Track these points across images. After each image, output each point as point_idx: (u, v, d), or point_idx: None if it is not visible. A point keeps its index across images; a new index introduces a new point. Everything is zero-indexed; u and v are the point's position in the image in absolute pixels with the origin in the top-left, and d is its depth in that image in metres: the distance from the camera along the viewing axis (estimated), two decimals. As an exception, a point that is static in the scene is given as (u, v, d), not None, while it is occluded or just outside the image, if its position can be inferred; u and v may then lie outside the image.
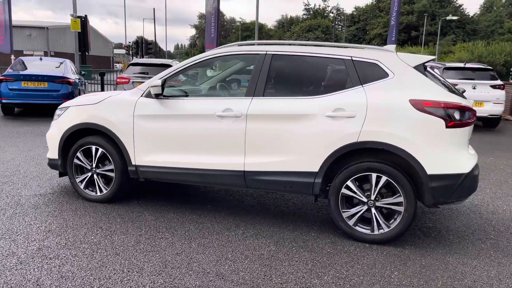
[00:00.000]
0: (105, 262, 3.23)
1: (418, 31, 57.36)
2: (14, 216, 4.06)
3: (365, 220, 3.77)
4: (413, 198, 3.57)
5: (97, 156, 4.46)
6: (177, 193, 4.96)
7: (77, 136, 4.58)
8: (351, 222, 3.76)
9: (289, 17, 78.40)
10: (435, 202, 3.59)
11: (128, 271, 3.10)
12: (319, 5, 75.51)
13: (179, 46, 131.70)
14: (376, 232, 3.70)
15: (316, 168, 3.76)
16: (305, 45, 4.15)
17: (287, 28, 68.35)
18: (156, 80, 4.15)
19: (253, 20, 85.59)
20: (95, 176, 4.52)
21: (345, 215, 3.77)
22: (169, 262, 3.27)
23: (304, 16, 73.77)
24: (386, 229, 3.67)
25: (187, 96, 4.35)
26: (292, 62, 4.06)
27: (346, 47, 4.04)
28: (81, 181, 4.58)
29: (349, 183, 3.71)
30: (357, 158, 3.75)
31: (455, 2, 60.05)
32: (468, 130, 3.64)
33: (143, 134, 4.23)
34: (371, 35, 59.83)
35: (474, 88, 10.92)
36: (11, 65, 11.83)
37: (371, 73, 3.75)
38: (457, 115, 3.54)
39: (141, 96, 4.29)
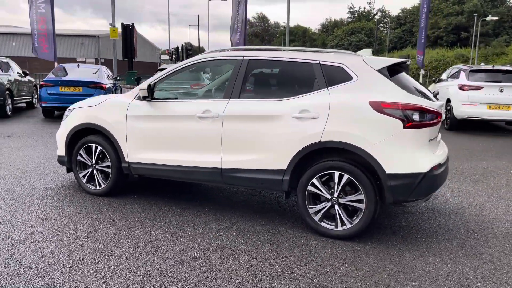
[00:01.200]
0: (84, 246, 3.63)
1: (468, 32, 55.14)
2: (21, 206, 4.58)
3: (330, 216, 3.94)
4: (373, 196, 3.71)
5: (96, 153, 4.91)
6: (172, 189, 5.32)
7: (81, 135, 5.06)
8: (316, 218, 3.95)
9: (333, 20, 77.83)
10: (394, 200, 3.71)
11: (101, 254, 3.48)
12: (364, 8, 74.41)
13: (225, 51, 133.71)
14: (339, 228, 3.87)
15: (284, 166, 3.99)
16: (280, 50, 4.39)
17: (330, 32, 67.89)
18: (145, 84, 4.55)
19: (298, 25, 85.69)
20: (94, 171, 4.98)
21: (311, 211, 3.97)
22: (139, 248, 3.62)
23: (349, 19, 72.96)
24: (349, 225, 3.83)
25: (176, 98, 4.72)
26: (265, 66, 4.33)
27: (317, 52, 4.24)
28: (84, 176, 5.05)
29: (314, 180, 3.90)
30: (325, 157, 3.93)
31: (508, 1, 57.20)
32: (428, 131, 3.72)
33: (134, 133, 4.63)
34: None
35: (501, 91, 10.58)
36: (52, 71, 12.80)
37: (336, 76, 3.93)
38: (416, 116, 3.64)
39: (134, 98, 4.69)
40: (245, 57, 4.32)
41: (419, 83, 4.53)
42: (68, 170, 5.31)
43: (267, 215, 4.49)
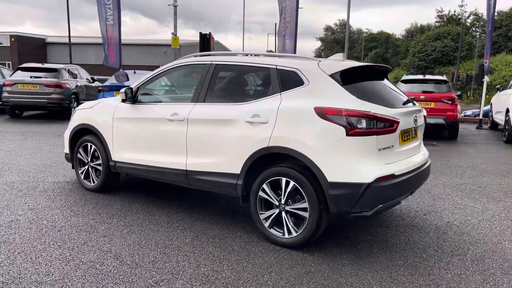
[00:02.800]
0: (44, 235, 3.94)
1: None
2: (21, 196, 5.08)
3: (281, 223, 3.85)
4: (317, 204, 3.56)
5: (91, 152, 5.29)
6: (165, 189, 5.52)
7: (81, 135, 5.48)
8: (266, 224, 3.89)
9: (419, 25, 74.10)
10: (338, 210, 3.53)
11: (52, 244, 3.75)
12: (454, 11, 69.66)
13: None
14: (286, 236, 3.77)
15: (238, 170, 3.99)
16: (245, 55, 4.39)
17: (415, 37, 64.64)
18: (125, 88, 4.84)
19: (381, 30, 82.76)
20: (90, 168, 5.36)
21: (261, 216, 3.91)
22: (90, 241, 3.84)
23: (437, 23, 68.93)
24: (294, 234, 3.72)
25: (160, 102, 4.93)
26: (229, 71, 4.36)
27: (277, 56, 4.18)
28: (81, 173, 5.47)
29: (264, 186, 3.85)
30: (278, 163, 3.87)
31: None
32: (376, 139, 3.48)
33: (118, 134, 4.93)
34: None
35: None
36: (114, 75, 13.87)
37: (290, 81, 3.85)
38: (362, 124, 3.44)
39: (121, 101, 4.99)
40: (212, 62, 4.40)
41: (397, 90, 4.27)
42: (73, 167, 5.77)
43: (233, 219, 4.50)
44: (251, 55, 4.35)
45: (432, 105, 10.62)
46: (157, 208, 4.80)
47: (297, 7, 14.06)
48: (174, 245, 3.80)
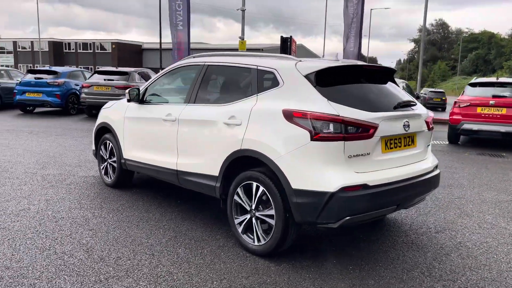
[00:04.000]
0: (40, 225, 4.22)
1: None
2: (46, 188, 5.51)
3: (253, 229, 3.70)
4: (282, 212, 3.36)
5: (109, 149, 5.58)
6: (175, 188, 5.61)
7: (103, 133, 5.80)
8: (240, 230, 3.76)
9: (528, 24, 66.87)
10: (303, 220, 3.29)
11: (41, 234, 3.99)
12: None
13: (401, 61, 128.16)
14: (256, 243, 3.61)
15: (216, 173, 3.92)
16: (236, 55, 4.29)
17: (522, 37, 58.47)
18: (129, 89, 5.02)
19: (483, 30, 76.30)
20: (107, 165, 5.65)
21: (236, 221, 3.80)
22: (75, 233, 4.02)
23: (549, 21, 61.69)
24: (262, 242, 3.55)
25: (167, 102, 5.04)
26: (218, 72, 4.30)
27: (264, 56, 4.02)
28: (102, 169, 5.78)
29: (238, 190, 3.74)
30: (253, 166, 3.72)
31: None
32: (344, 144, 3.17)
33: (127, 132, 5.13)
34: None
35: None
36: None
37: (267, 82, 3.70)
38: (328, 128, 3.17)
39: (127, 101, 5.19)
40: (205, 63, 4.38)
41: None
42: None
43: (221, 221, 4.41)
44: (241, 56, 4.24)
45: (504, 111, 9.50)
46: (157, 206, 4.90)
47: (362, 7, 13.46)
48: (148, 244, 3.84)
